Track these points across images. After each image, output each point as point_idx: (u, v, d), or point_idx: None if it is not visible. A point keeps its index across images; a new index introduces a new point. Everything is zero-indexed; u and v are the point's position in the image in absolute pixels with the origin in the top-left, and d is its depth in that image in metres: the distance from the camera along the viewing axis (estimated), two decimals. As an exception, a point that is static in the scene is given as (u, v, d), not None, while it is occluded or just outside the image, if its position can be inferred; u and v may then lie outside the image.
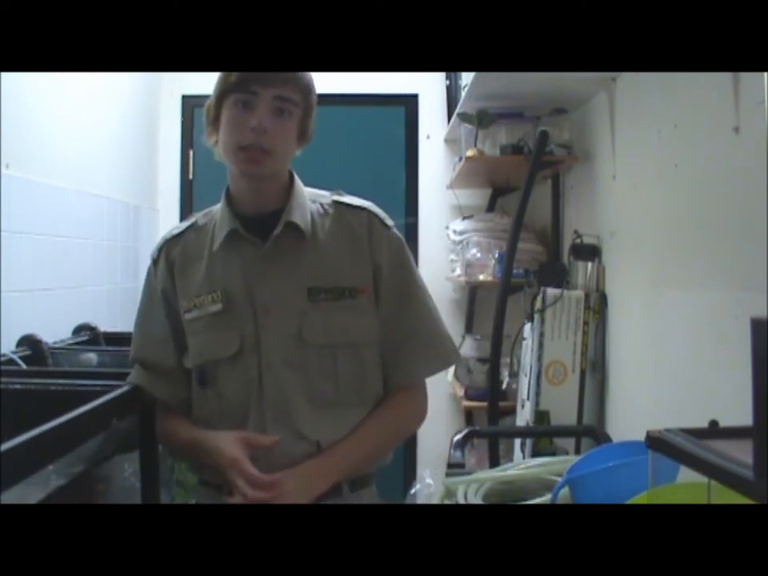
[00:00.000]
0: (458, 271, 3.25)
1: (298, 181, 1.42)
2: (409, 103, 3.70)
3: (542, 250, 3.10)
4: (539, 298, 2.48)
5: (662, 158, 1.92)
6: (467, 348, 3.18)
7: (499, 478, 1.56)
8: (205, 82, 1.40)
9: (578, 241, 2.54)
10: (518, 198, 2.70)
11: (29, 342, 2.02)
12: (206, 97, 1.37)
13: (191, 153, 3.69)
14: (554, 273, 2.61)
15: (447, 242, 3.46)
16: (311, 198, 1.41)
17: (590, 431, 2.20)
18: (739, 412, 0.88)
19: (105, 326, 2.55)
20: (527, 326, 2.60)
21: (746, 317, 0.79)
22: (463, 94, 2.81)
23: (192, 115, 3.66)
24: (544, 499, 1.40)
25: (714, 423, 0.98)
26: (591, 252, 2.50)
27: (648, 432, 0.97)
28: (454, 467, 1.83)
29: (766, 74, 1.29)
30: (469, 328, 3.52)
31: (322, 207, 1.41)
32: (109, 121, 2.94)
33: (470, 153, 2.78)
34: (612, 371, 2.39)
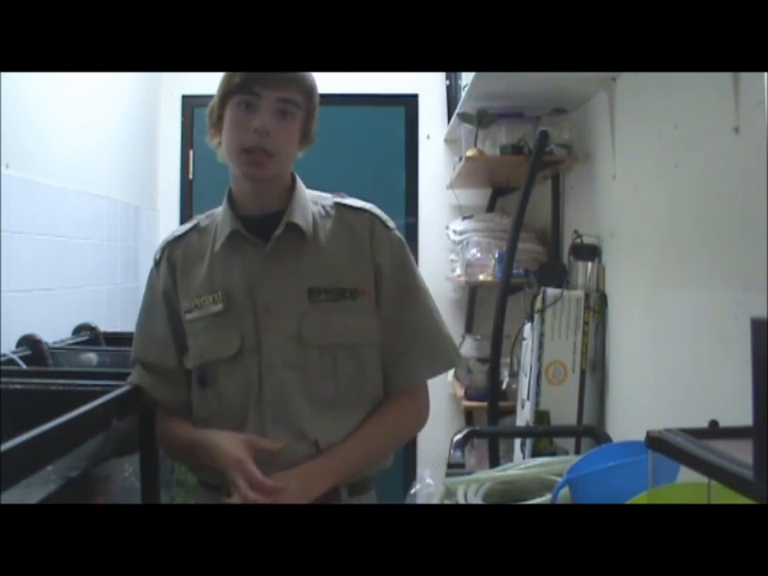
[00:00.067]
0: (458, 271, 3.25)
1: (299, 182, 1.42)
2: (409, 103, 3.70)
3: (542, 249, 3.10)
4: (539, 298, 2.48)
5: (661, 158, 1.92)
6: (467, 348, 3.18)
7: (499, 478, 1.56)
8: (205, 82, 1.40)
9: (578, 241, 2.54)
10: (517, 198, 2.70)
11: (29, 342, 2.02)
12: (205, 97, 1.37)
13: (191, 153, 3.69)
14: (553, 273, 2.61)
15: (447, 242, 3.46)
16: (313, 200, 1.42)
17: (590, 431, 2.20)
18: (739, 412, 0.88)
19: (105, 326, 2.55)
20: (527, 326, 2.60)
21: (745, 317, 0.79)
22: (463, 94, 2.81)
23: (192, 115, 3.66)
24: (544, 499, 1.40)
25: (713, 423, 0.98)
26: (591, 252, 2.50)
27: (648, 432, 0.97)
28: (454, 467, 1.83)
29: (765, 74, 1.29)
30: (469, 328, 3.52)
31: (324, 209, 1.41)
32: (109, 121, 2.94)
33: (469, 153, 2.78)
34: (612, 371, 2.39)
